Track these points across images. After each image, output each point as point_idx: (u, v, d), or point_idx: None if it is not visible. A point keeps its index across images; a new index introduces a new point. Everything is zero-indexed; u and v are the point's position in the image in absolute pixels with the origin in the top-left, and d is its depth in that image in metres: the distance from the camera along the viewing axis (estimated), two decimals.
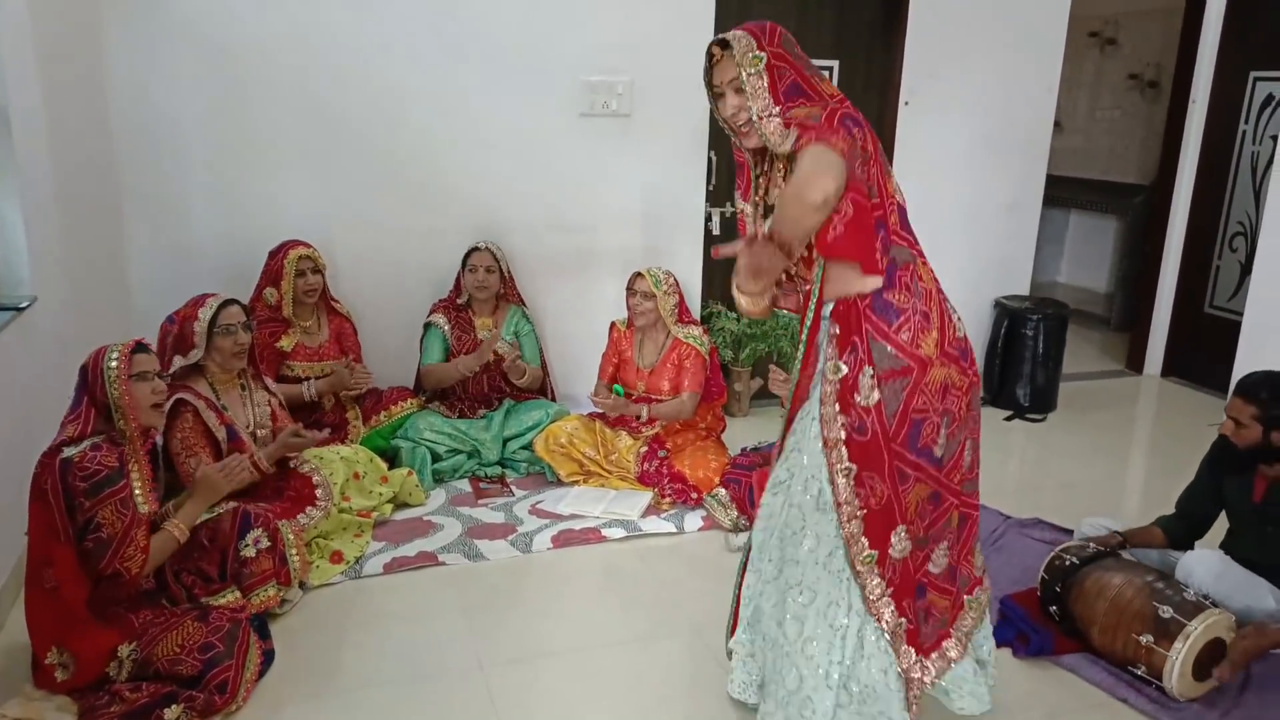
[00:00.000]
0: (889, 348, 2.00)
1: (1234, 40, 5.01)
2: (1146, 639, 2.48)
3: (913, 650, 2.11)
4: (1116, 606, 2.56)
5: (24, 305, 2.92)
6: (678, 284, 3.88)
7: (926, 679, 2.13)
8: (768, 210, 2.15)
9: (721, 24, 4.29)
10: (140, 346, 2.47)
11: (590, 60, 4.12)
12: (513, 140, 4.13)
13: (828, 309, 2.09)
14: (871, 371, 2.00)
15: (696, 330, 3.84)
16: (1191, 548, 2.86)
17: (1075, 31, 4.97)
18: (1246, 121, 5.02)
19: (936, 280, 2.12)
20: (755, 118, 1.98)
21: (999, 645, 2.73)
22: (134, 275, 3.80)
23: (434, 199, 4.09)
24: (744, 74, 1.96)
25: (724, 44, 2.01)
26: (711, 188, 4.56)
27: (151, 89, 3.67)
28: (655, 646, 2.75)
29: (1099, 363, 5.85)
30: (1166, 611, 2.47)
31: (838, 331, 2.05)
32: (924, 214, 4.76)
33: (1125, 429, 4.91)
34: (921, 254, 2.10)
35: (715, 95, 2.08)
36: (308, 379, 3.66)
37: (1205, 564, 2.63)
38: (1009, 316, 4.92)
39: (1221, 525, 2.91)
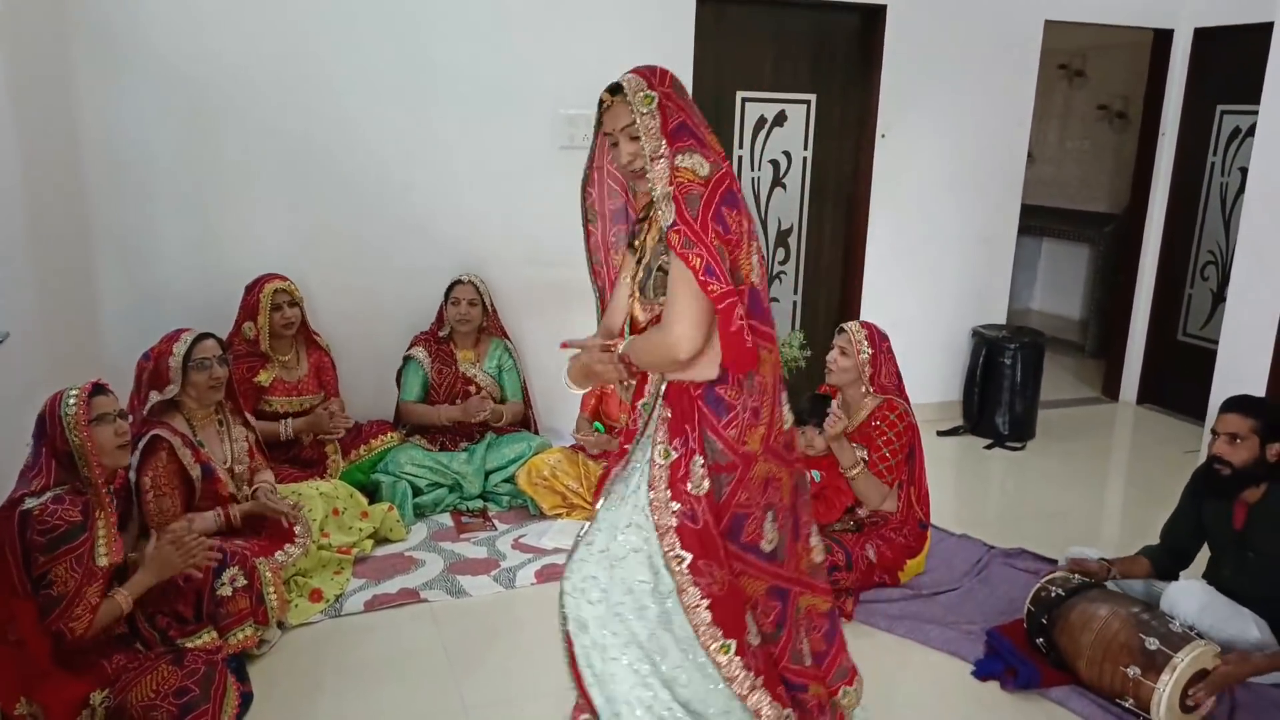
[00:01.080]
0: (718, 442, 1.97)
1: (1201, 74, 5.12)
2: (1134, 671, 2.48)
3: None
4: (1103, 639, 2.56)
5: None
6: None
7: None
8: (640, 260, 2.11)
9: (699, 58, 4.34)
10: (98, 388, 2.41)
11: (568, 94, 4.14)
12: (491, 173, 4.14)
13: (661, 387, 2.05)
14: (702, 460, 1.97)
15: None
16: (1176, 577, 2.87)
17: (1045, 64, 5.06)
18: (1215, 153, 5.12)
19: (778, 368, 2.08)
20: (648, 159, 1.93)
21: (986, 678, 2.74)
22: (106, 312, 3.74)
23: (411, 233, 4.07)
24: (636, 115, 1.92)
25: (615, 89, 1.98)
26: None
27: (123, 125, 3.64)
28: None
29: (1075, 390, 5.91)
30: (1153, 643, 2.47)
31: (670, 415, 2.01)
32: (901, 245, 4.89)
33: (1104, 456, 4.95)
34: (771, 341, 2.03)
35: (610, 144, 2.05)
36: (286, 415, 3.62)
37: (1190, 595, 2.64)
38: (987, 345, 4.96)
39: (1205, 553, 2.92)
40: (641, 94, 1.93)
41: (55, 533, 2.23)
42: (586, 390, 2.05)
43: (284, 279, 3.65)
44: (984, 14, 4.76)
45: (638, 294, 2.09)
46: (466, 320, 3.92)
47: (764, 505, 2.02)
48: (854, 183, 4.89)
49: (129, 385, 3.06)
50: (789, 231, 4.87)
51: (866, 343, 3.26)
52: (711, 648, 1.96)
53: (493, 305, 4.04)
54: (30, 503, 2.24)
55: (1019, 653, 2.77)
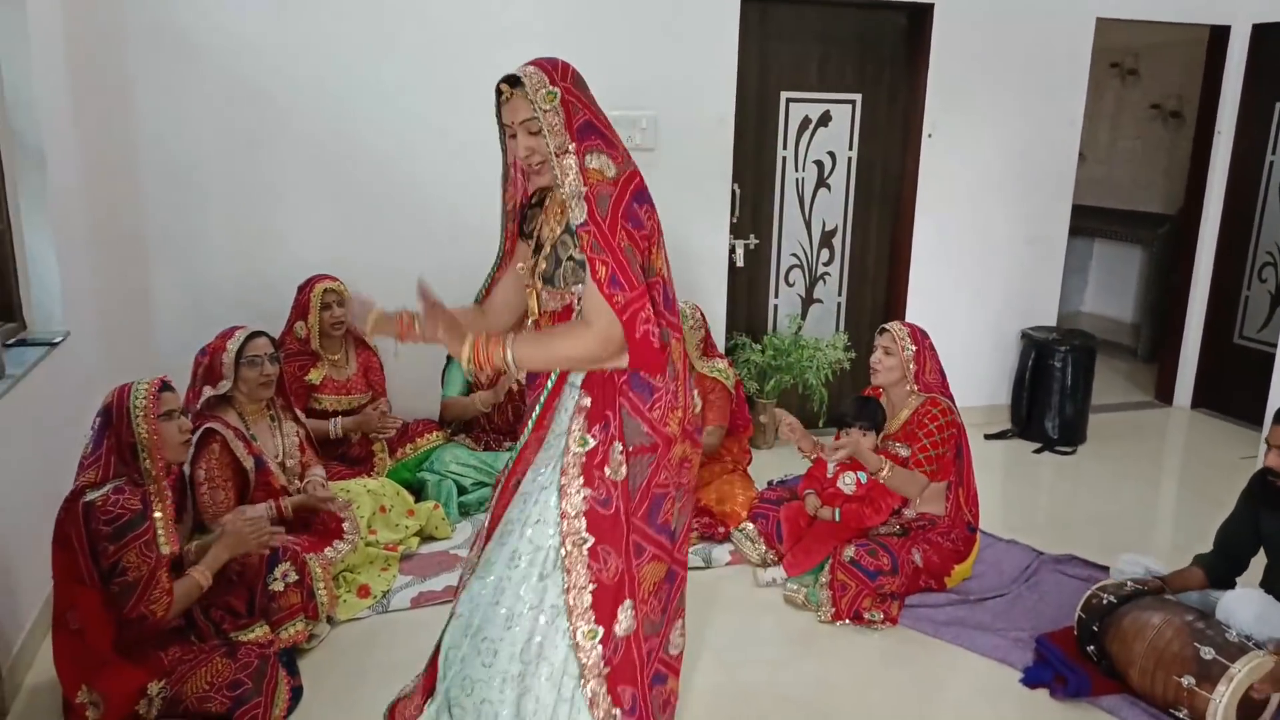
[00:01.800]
0: (642, 425, 1.98)
1: (1259, 71, 5.00)
2: (1188, 681, 2.42)
3: None
4: (1155, 647, 2.51)
5: (58, 340, 2.96)
6: (704, 318, 3.87)
7: None
8: (537, 249, 2.09)
9: (743, 58, 4.33)
10: (165, 385, 2.48)
11: (612, 95, 4.11)
12: None
13: (578, 377, 2.03)
14: (621, 447, 1.97)
15: (721, 364, 3.82)
16: (1233, 585, 2.80)
17: (1097, 63, 4.97)
18: (1274, 151, 4.99)
19: (686, 356, 2.12)
20: (552, 154, 1.89)
21: (1035, 686, 2.70)
22: (159, 312, 3.84)
23: (456, 232, 4.11)
24: (538, 110, 1.87)
25: (514, 81, 1.92)
26: (735, 220, 4.57)
27: (177, 130, 3.73)
28: (681, 680, 2.70)
29: (1127, 394, 5.79)
30: (1208, 653, 2.41)
31: (589, 404, 2.00)
32: (948, 246, 4.84)
33: (1156, 461, 4.84)
34: (678, 330, 2.06)
35: (509, 136, 2.00)
36: (336, 414, 3.68)
37: (1247, 604, 2.57)
38: (1036, 348, 4.88)
39: (1261, 561, 2.85)
40: (543, 90, 1.88)
41: (120, 521, 2.28)
42: (375, 334, 2.03)
43: (334, 279, 3.71)
44: (1034, 12, 4.68)
45: (538, 285, 2.06)
46: None
47: (678, 485, 2.06)
48: (900, 183, 4.84)
49: (181, 383, 3.13)
50: (833, 232, 4.83)
51: (909, 340, 3.24)
52: (580, 629, 1.97)
53: None
54: (91, 495, 2.30)
55: (1069, 660, 2.72)
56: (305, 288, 3.69)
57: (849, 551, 3.07)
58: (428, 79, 3.96)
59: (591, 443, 1.98)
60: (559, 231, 2.02)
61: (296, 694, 2.54)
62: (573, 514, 1.98)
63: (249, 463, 3.00)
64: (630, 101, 4.16)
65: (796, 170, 4.69)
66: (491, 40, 4.00)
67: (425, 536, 3.50)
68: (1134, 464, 4.63)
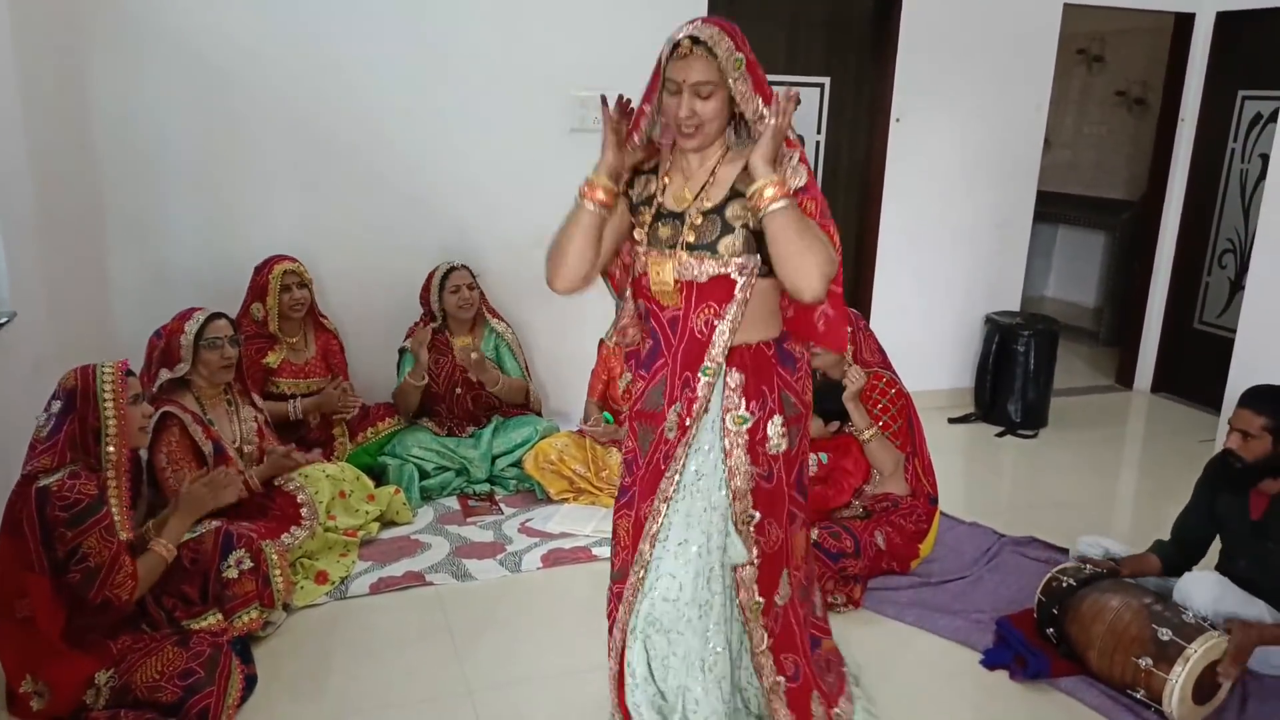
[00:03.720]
0: (791, 396, 2.00)
1: (1222, 60, 5.04)
2: (1145, 662, 2.45)
3: (821, 704, 2.13)
4: (1114, 629, 2.53)
5: (2, 321, 2.86)
6: None
7: None
8: (659, 215, 1.98)
9: None
10: (128, 369, 2.41)
11: (580, 75, 4.09)
12: (501, 156, 4.10)
13: (722, 355, 1.93)
14: (781, 420, 1.98)
15: None
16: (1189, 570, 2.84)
17: (1063, 49, 4.98)
18: (1235, 139, 5.04)
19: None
20: (751, 119, 1.88)
21: (995, 667, 2.71)
22: (116, 293, 3.73)
23: (420, 216, 4.05)
24: (729, 77, 1.84)
25: (697, 40, 1.83)
26: None
27: (136, 106, 3.61)
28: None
29: (1089, 378, 5.85)
30: (1165, 634, 2.44)
31: (743, 380, 1.96)
32: (915, 230, 4.84)
33: (1117, 445, 4.90)
34: None
35: (670, 93, 1.88)
36: (293, 396, 3.61)
37: (1203, 586, 2.60)
38: (1000, 332, 4.91)
39: (1216, 545, 2.89)
40: (734, 57, 1.84)
41: (78, 507, 2.23)
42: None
43: (293, 260, 3.63)
44: None
45: (680, 254, 1.92)
46: (468, 304, 3.87)
47: (806, 450, 2.11)
48: (867, 167, 4.84)
49: (138, 365, 3.06)
50: None
51: None
52: (747, 603, 2.02)
53: (481, 288, 3.99)
54: (45, 479, 2.23)
55: (1029, 642, 2.74)
56: (263, 268, 3.61)
57: (811, 534, 3.06)
58: (391, 57, 3.87)
59: (750, 419, 1.95)
60: (722, 198, 1.92)
61: (251, 682, 2.49)
62: (741, 493, 1.96)
63: (207, 447, 2.95)
64: (595, 81, 4.08)
65: None
66: (458, 18, 3.92)
67: (386, 522, 3.45)
68: (1095, 447, 4.68)
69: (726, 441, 1.96)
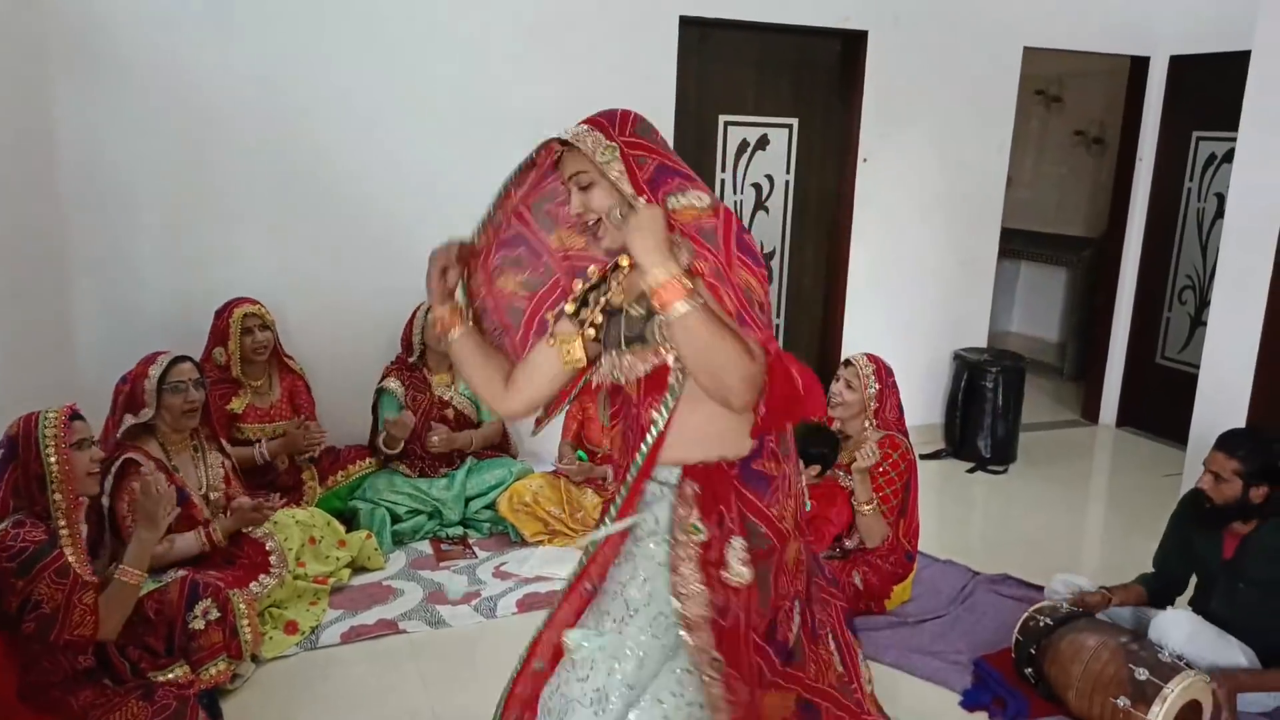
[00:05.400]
0: (760, 525, 1.67)
1: (1176, 101, 5.18)
2: (1123, 702, 2.45)
3: None
4: (1092, 670, 2.54)
5: None
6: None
7: None
8: (610, 313, 1.79)
9: (682, 80, 4.33)
10: (75, 413, 2.36)
11: (551, 115, 4.07)
12: (473, 196, 4.01)
13: (677, 467, 1.69)
14: (744, 545, 1.64)
15: None
16: (1172, 602, 2.88)
17: (1022, 89, 5.11)
18: (1191, 179, 5.17)
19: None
20: (615, 210, 1.67)
21: (975, 709, 2.71)
22: (80, 337, 3.65)
23: (390, 256, 4.00)
24: (603, 169, 1.64)
25: (565, 142, 1.69)
26: None
27: (102, 146, 3.56)
28: None
29: (1055, 412, 5.92)
30: (1142, 674, 2.45)
31: (698, 490, 1.66)
32: (884, 268, 4.89)
33: (1085, 480, 4.95)
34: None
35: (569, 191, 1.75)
36: (258, 441, 3.54)
37: (1178, 625, 2.62)
38: (968, 369, 4.97)
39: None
40: (601, 148, 1.65)
41: (24, 555, 2.16)
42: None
43: (254, 302, 3.57)
44: (964, 41, 4.79)
45: (620, 359, 1.74)
46: None
47: (793, 595, 1.75)
48: (836, 207, 4.90)
49: (104, 410, 2.99)
50: (771, 255, 4.86)
51: (874, 378, 3.21)
52: None
53: None
54: None
55: (1007, 683, 2.74)
56: (224, 312, 3.55)
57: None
58: (363, 98, 3.87)
59: (703, 533, 1.63)
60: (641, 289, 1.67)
61: None
62: (698, 623, 1.61)
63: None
64: (569, 120, 4.09)
65: (735, 193, 4.71)
66: (430, 59, 3.93)
67: (357, 568, 3.39)
68: (1064, 483, 4.73)
69: (676, 553, 1.64)
